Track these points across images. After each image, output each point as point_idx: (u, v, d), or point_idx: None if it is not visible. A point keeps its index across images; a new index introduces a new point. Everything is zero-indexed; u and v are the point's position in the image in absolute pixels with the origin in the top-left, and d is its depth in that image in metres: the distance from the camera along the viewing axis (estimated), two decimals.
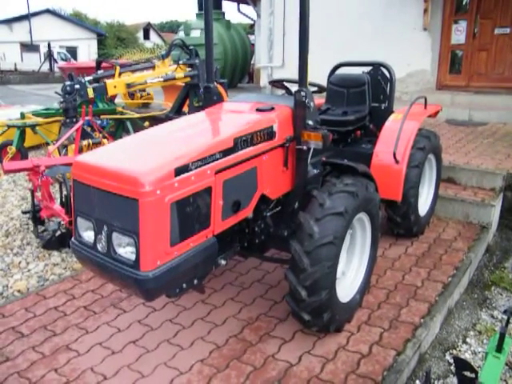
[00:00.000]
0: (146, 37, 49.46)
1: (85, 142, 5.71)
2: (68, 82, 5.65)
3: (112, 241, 2.15)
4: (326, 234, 2.47)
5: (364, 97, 4.09)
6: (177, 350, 2.74)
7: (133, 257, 2.08)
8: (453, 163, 5.14)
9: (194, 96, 6.66)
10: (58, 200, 4.33)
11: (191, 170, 2.17)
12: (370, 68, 4.26)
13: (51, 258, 4.11)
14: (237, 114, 2.82)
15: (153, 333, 2.92)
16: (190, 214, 2.19)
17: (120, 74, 6.08)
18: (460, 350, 3.07)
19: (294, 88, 3.32)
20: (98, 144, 5.86)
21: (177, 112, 6.92)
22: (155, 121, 7.41)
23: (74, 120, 5.65)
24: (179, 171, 2.11)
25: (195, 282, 2.44)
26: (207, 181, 2.26)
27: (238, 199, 2.49)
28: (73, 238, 2.42)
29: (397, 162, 3.59)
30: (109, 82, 5.88)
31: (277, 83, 3.41)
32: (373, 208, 2.92)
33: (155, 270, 2.07)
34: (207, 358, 2.67)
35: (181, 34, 12.10)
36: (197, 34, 11.73)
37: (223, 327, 2.95)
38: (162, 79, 6.33)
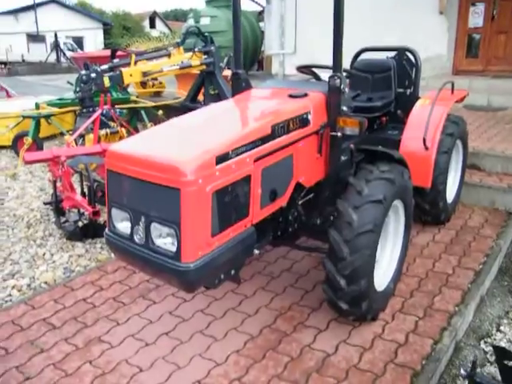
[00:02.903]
0: (152, 25, 49.06)
1: (102, 132, 5.66)
2: (84, 72, 5.58)
3: (150, 232, 2.11)
4: (365, 221, 2.43)
5: (390, 82, 4.01)
6: (211, 341, 2.71)
7: (173, 248, 2.04)
8: (476, 149, 5.06)
9: (210, 84, 6.58)
10: (79, 190, 4.31)
11: (231, 158, 2.12)
12: (394, 53, 4.17)
13: (75, 250, 4.08)
14: (270, 101, 2.76)
15: (185, 324, 2.89)
16: (230, 203, 2.15)
17: (135, 62, 6.01)
18: (495, 339, 3.03)
19: (322, 74, 3.25)
20: (115, 133, 5.81)
21: (192, 100, 6.83)
22: (169, 110, 7.36)
23: (91, 110, 5.61)
24: (220, 159, 2.06)
25: (232, 272, 2.40)
26: (247, 169, 2.21)
27: (275, 187, 2.44)
28: (107, 229, 2.39)
29: (426, 148, 3.51)
30: (125, 70, 5.80)
31: (305, 69, 3.34)
32: (407, 195, 2.87)
33: (196, 261, 2.03)
34: (242, 349, 2.64)
35: (190, 22, 11.98)
36: (206, 22, 11.62)
37: (256, 317, 2.92)
38: (177, 67, 6.24)
